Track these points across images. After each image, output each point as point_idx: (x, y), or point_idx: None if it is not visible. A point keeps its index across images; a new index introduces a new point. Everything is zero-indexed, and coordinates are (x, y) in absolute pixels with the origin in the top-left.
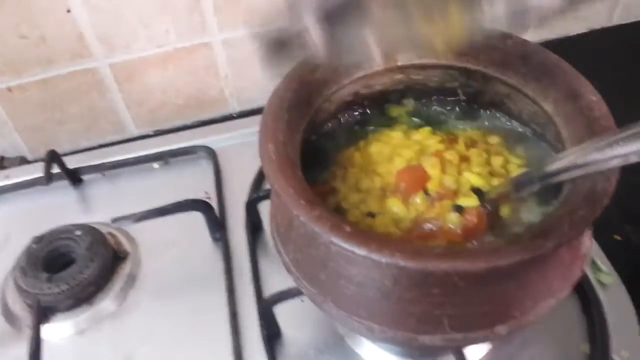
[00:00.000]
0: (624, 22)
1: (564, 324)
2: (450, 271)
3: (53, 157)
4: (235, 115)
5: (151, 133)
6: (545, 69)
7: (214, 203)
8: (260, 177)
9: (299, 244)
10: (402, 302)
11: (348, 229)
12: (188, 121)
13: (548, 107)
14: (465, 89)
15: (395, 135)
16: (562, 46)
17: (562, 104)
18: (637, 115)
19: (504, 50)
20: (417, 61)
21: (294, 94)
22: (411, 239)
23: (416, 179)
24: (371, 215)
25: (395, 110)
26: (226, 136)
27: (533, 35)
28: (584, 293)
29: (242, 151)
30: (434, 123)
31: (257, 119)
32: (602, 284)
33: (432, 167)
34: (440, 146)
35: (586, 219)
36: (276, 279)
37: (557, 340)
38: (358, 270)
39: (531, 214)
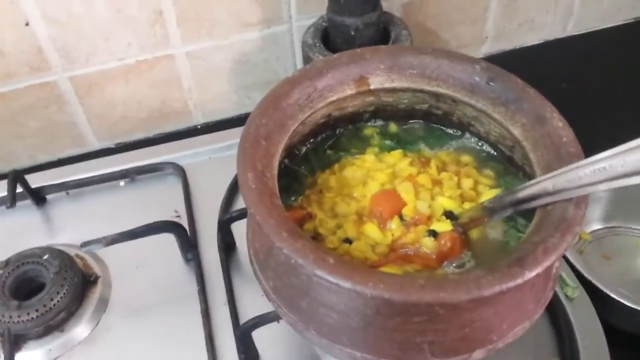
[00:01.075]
0: (577, 33)
1: (534, 339)
2: (432, 302)
3: (16, 178)
4: (199, 127)
5: (113, 146)
6: (512, 93)
7: (184, 222)
8: (230, 195)
9: (279, 272)
10: (384, 330)
11: (331, 260)
12: (150, 134)
13: (516, 130)
14: (435, 110)
15: (368, 158)
16: (518, 57)
17: (530, 129)
18: (589, 124)
19: (472, 75)
20: (388, 85)
21: (270, 120)
22: (389, 264)
23: (391, 204)
24: (348, 241)
25: (367, 130)
26: (193, 152)
27: (490, 46)
28: (552, 308)
29: (211, 167)
30: (404, 143)
31: (224, 134)
32: (569, 298)
33: (406, 193)
34: (413, 169)
35: (559, 246)
36: (252, 298)
37: (527, 355)
38: (340, 299)
39: (495, 229)
